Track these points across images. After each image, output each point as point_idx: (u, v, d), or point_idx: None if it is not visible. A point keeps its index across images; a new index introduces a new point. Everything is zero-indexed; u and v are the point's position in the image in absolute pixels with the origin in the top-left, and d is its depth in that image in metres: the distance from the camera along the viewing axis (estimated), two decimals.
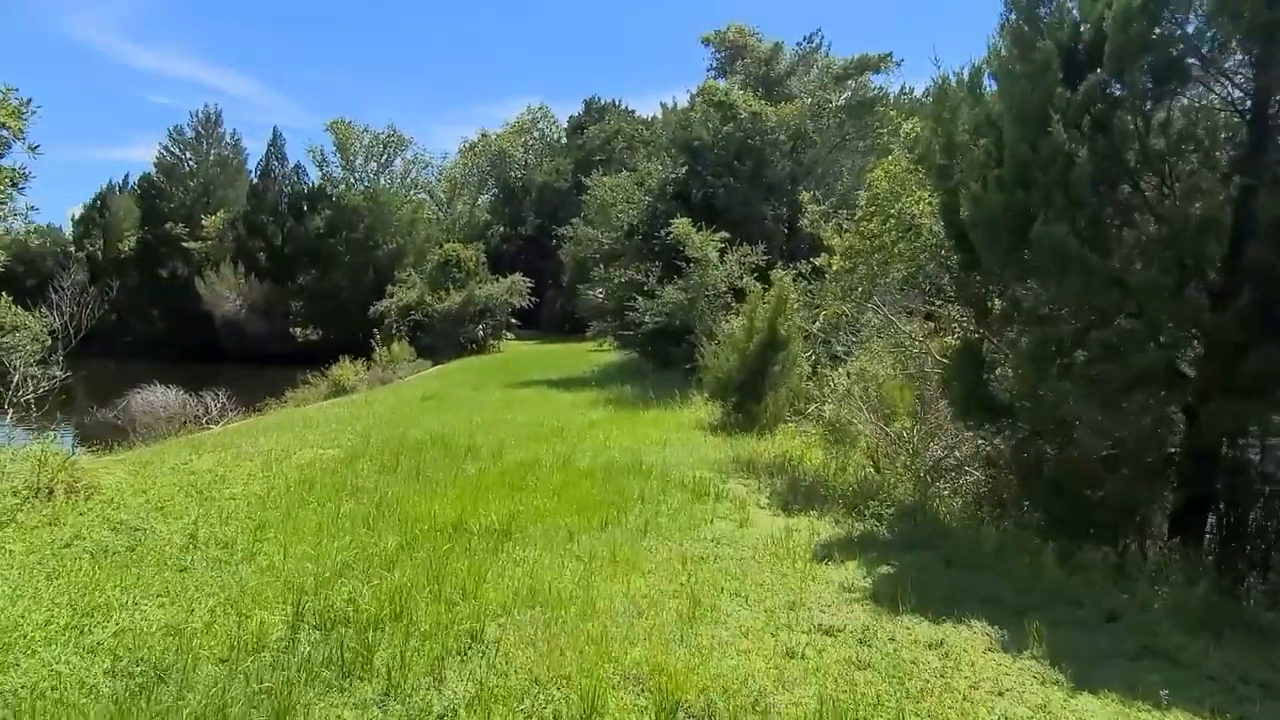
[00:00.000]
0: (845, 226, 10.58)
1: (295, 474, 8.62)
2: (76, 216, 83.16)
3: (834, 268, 9.30)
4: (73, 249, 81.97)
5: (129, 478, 8.61)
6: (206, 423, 19.99)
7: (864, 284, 9.26)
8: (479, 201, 64.23)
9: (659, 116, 53.68)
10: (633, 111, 64.17)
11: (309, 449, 10.25)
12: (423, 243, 47.61)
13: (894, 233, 9.15)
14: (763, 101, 18.25)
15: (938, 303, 9.52)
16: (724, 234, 15.94)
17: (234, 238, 48.42)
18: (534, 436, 11.12)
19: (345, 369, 21.51)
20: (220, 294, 45.72)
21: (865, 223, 9.03)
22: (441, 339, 35.87)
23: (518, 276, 37.84)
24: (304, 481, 8.12)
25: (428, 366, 30.23)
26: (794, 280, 13.48)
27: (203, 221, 49.75)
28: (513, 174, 61.96)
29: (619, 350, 24.20)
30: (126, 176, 65.27)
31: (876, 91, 20.69)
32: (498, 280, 37.97)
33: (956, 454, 9.66)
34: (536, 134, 65.92)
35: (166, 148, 53.45)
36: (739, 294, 16.38)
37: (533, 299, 38.27)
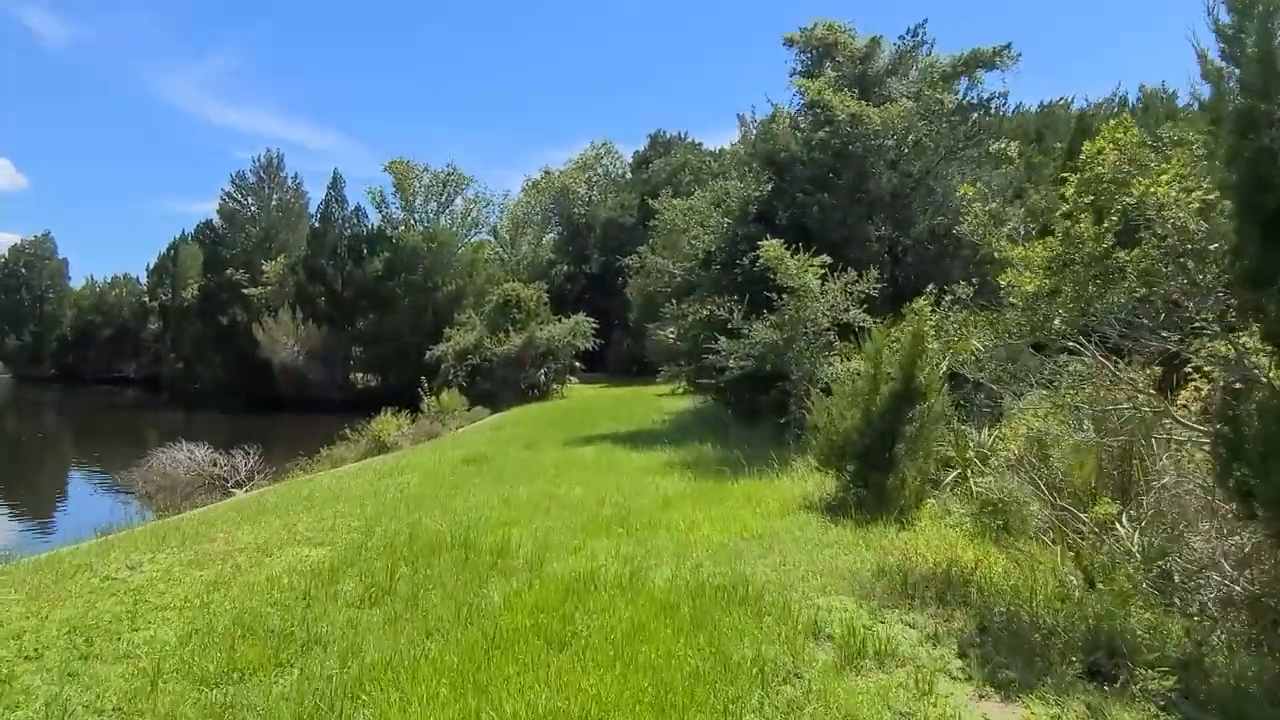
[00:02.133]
0: (1021, 234, 7.54)
1: (243, 601, 5.94)
2: (151, 266, 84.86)
3: (1026, 288, 6.30)
4: (146, 298, 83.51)
5: (25, 602, 6.09)
6: (232, 486, 17.76)
7: (1068, 310, 6.24)
8: (543, 241, 62.54)
9: (727, 148, 51.42)
10: (699, 144, 62.02)
11: (292, 546, 7.61)
12: (483, 284, 45.76)
13: (1110, 236, 6.12)
14: (863, 103, 15.36)
15: (1173, 336, 6.41)
16: (824, 258, 12.98)
17: (294, 283, 47.35)
18: (591, 525, 8.27)
19: (386, 423, 19.11)
20: (278, 340, 44.48)
21: (1072, 223, 6.06)
22: (501, 385, 33.54)
23: (582, 316, 35.40)
24: (244, 624, 5.41)
25: (485, 415, 27.79)
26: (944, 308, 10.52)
27: (263, 267, 48.89)
28: (576, 211, 60.03)
29: (691, 395, 21.29)
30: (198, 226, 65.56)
31: (991, 93, 17.65)
32: (560, 321, 35.60)
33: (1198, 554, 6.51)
34: (600, 170, 64.09)
35: (229, 194, 53.16)
36: (844, 331, 13.41)
37: (598, 340, 35.72)
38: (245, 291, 48.45)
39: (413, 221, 49.05)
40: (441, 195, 50.00)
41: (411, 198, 49.02)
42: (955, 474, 10.19)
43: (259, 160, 53.23)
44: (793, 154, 16.36)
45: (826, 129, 15.50)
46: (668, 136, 63.43)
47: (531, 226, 61.26)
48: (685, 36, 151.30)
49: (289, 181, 54.15)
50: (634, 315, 45.52)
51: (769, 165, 16.79)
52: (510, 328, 35.13)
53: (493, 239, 59.85)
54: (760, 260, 13.35)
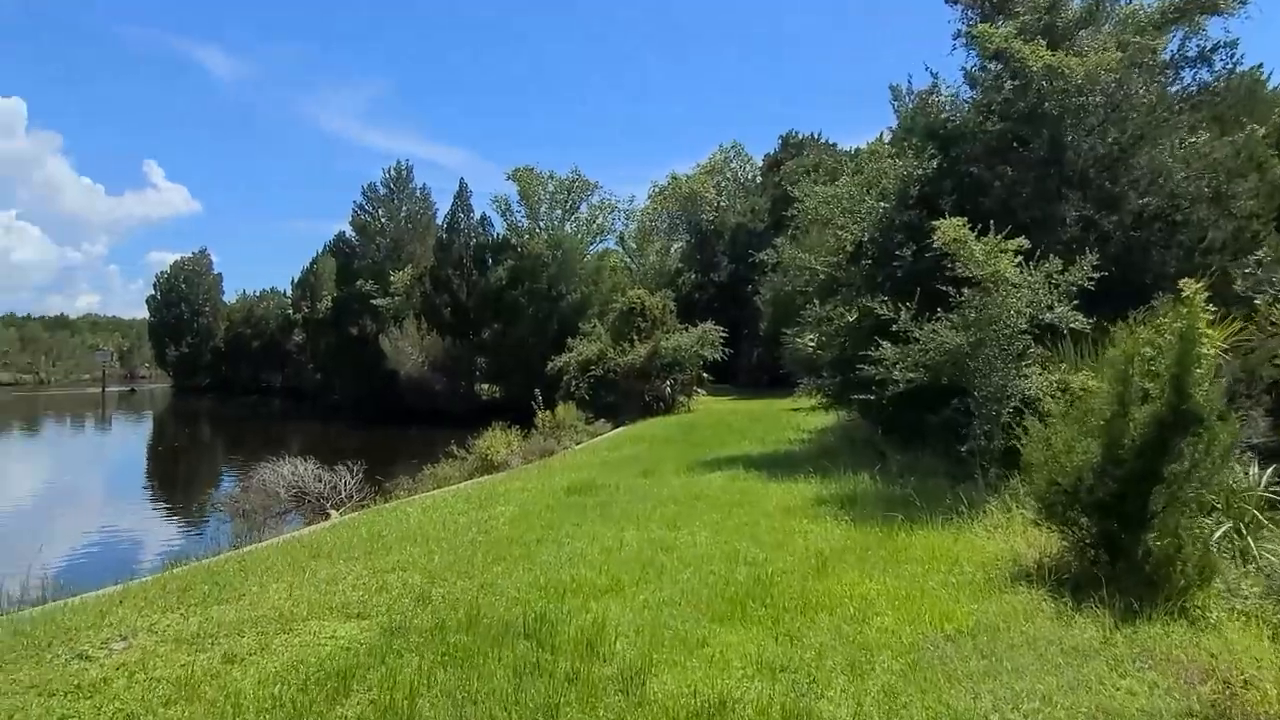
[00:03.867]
0: None
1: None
2: (295, 280, 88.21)
3: None
4: (291, 311, 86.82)
5: None
6: (331, 507, 16.36)
7: None
8: (671, 249, 60.63)
9: (864, 147, 48.01)
10: (833, 144, 58.62)
11: (321, 618, 5.61)
12: (608, 292, 44.09)
13: None
14: (1059, 53, 12.38)
15: None
16: (1020, 240, 10.13)
17: (420, 293, 47.11)
18: (720, 600, 5.91)
19: (494, 440, 17.33)
20: (403, 351, 44.19)
21: None
22: (624, 397, 31.56)
23: (710, 325, 33.02)
24: None
25: (606, 429, 25.86)
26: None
27: (391, 278, 48.97)
28: (704, 217, 57.72)
29: (831, 410, 18.54)
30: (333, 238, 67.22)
31: (1214, 41, 14.25)
32: (687, 330, 33.36)
33: None
34: (729, 174, 61.59)
35: (361, 206, 53.79)
36: (1046, 334, 10.53)
37: (726, 350, 33.23)
38: (374, 302, 48.67)
39: (537, 229, 48.03)
40: (566, 202, 48.80)
41: (536, 205, 48.02)
42: (1224, 529, 7.26)
43: (389, 172, 53.80)
44: (963, 124, 13.52)
45: (1011, 84, 12.60)
46: (800, 137, 60.28)
47: (658, 234, 59.41)
48: (816, 31, 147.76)
49: (417, 192, 54.42)
50: (765, 323, 42.89)
51: (931, 139, 14.01)
52: (635, 337, 33.18)
53: (619, 247, 58.42)
54: (932, 248, 10.66)
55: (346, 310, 51.02)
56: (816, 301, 15.68)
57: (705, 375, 33.64)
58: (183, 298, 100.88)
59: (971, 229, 10.69)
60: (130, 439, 48.05)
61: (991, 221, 10.66)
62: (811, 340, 18.16)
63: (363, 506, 14.61)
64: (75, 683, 4.65)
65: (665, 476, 12.53)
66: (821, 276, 15.84)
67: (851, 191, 15.11)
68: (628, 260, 58.49)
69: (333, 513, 15.29)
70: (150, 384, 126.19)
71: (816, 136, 60.06)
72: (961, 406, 10.60)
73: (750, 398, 37.19)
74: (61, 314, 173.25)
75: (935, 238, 10.44)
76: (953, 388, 10.65)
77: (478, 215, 50.16)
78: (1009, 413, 9.72)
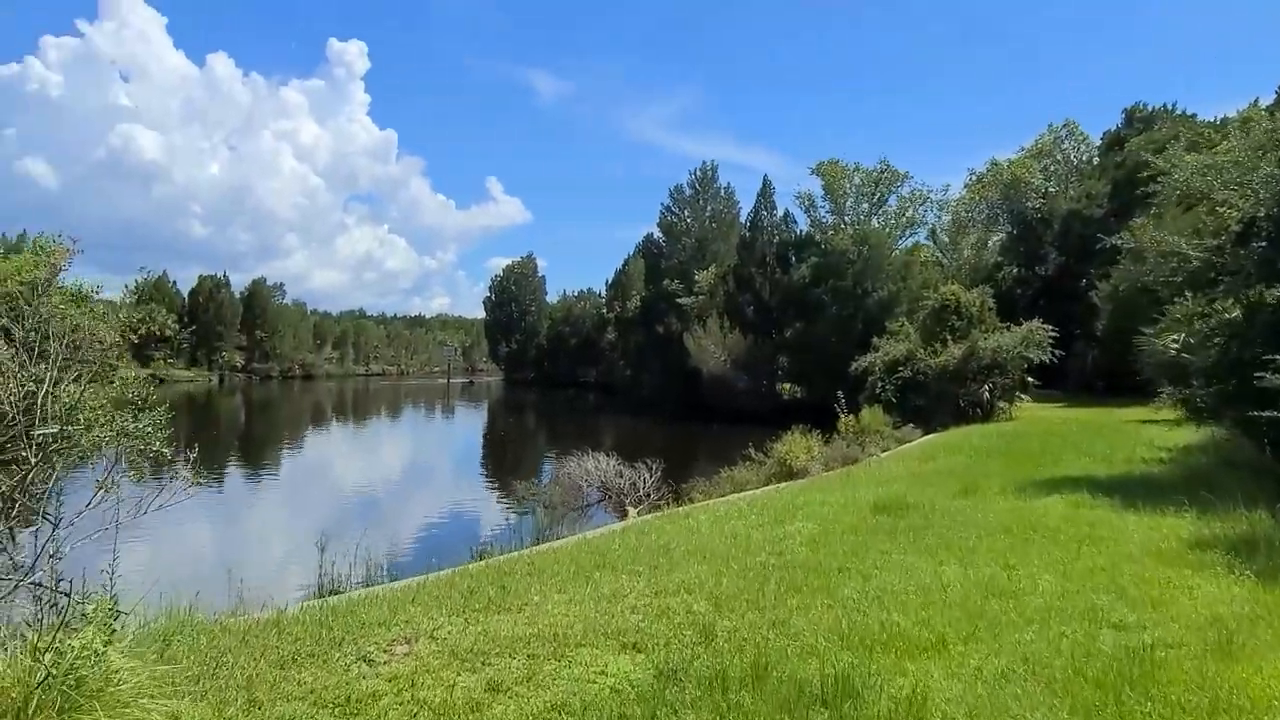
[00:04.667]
0: None
1: None
2: (609, 281, 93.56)
3: None
4: (604, 310, 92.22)
5: (195, 703, 4.36)
6: (630, 505, 16.46)
7: None
8: (989, 243, 55.85)
9: (1233, 115, 40.48)
10: (1192, 116, 50.45)
11: (593, 645, 5.10)
12: (918, 289, 41.42)
13: None
14: None
15: None
16: None
17: (723, 292, 47.42)
18: (1078, 680, 4.54)
19: (793, 444, 16.44)
20: (706, 349, 44.69)
21: None
22: (936, 401, 29.21)
23: (1036, 323, 29.53)
24: None
25: (916, 435, 23.97)
26: None
27: (695, 277, 49.80)
28: (1029, 205, 52.35)
29: (1199, 422, 15.36)
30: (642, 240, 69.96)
31: None
32: (1009, 329, 30.12)
33: None
34: (1060, 157, 55.41)
35: (668, 207, 55.38)
36: None
37: (1055, 352, 29.52)
38: (679, 301, 49.83)
39: (842, 225, 46.34)
40: (873, 195, 46.58)
41: (841, 200, 46.35)
42: None
43: (695, 174, 54.81)
44: None
45: None
46: (1148, 110, 52.61)
47: (975, 225, 54.94)
48: None
49: (722, 192, 54.89)
50: (1103, 321, 37.83)
51: None
52: (948, 337, 30.61)
53: (930, 242, 54.85)
54: None
55: (653, 309, 52.77)
56: (1187, 294, 12.99)
57: (1029, 379, 30.15)
58: (512, 298, 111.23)
59: None
60: (469, 426, 53.46)
61: None
62: (1175, 341, 15.24)
63: (658, 507, 14.45)
64: (347, 694, 4.48)
65: (989, 497, 10.88)
66: (1194, 264, 13.09)
67: (1239, 158, 12.28)
68: (939, 255, 54.76)
69: (631, 510, 15.31)
70: (486, 377, 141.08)
71: (1170, 108, 52.15)
72: None
73: (1083, 405, 32.90)
74: (420, 314, 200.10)
75: None
76: None
77: (781, 212, 49.54)
78: None
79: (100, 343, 5.37)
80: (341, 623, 5.73)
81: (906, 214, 47.47)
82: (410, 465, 32.50)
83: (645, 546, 8.21)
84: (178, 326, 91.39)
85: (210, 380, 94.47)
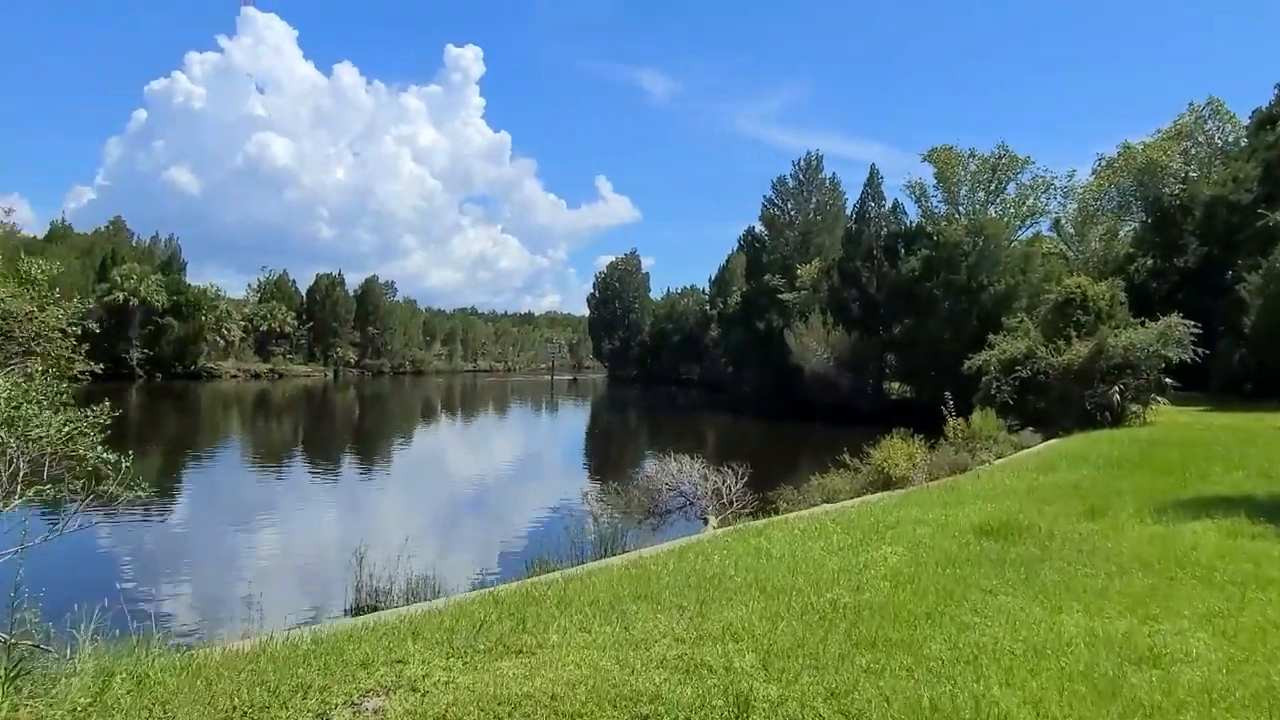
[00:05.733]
0: None
1: None
2: (712, 277, 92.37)
3: None
4: (707, 306, 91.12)
5: None
6: (712, 513, 15.31)
7: None
8: (1120, 233, 51.77)
9: None
10: None
11: (597, 707, 4.06)
12: (1039, 282, 38.60)
13: None
14: None
15: None
16: None
17: (826, 286, 45.48)
18: None
19: (893, 450, 14.88)
20: (808, 346, 42.91)
21: None
22: (1058, 403, 26.82)
23: (1175, 319, 26.71)
24: None
25: (1034, 441, 21.90)
26: None
27: (798, 271, 47.95)
28: (1166, 191, 48.15)
29: None
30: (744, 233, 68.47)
31: None
32: (1142, 325, 27.36)
33: None
34: (1201, 138, 50.81)
35: (770, 200, 53.59)
36: None
37: (1198, 350, 26.59)
38: (780, 296, 48.08)
39: (955, 215, 43.63)
40: (990, 183, 43.65)
41: (955, 188, 43.63)
42: None
43: (799, 165, 52.71)
44: None
45: None
46: None
47: (1103, 214, 50.92)
48: None
49: (827, 183, 52.66)
50: (1252, 316, 34.15)
51: None
52: (1072, 333, 28.10)
53: (1053, 232, 51.16)
54: None
55: (754, 305, 51.20)
56: None
57: (1167, 381, 27.30)
58: (615, 295, 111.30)
59: None
60: (571, 423, 53.29)
61: None
62: None
63: (737, 518, 13.28)
64: None
65: (1122, 521, 9.21)
66: None
67: None
68: (1064, 246, 51.03)
69: (711, 520, 14.17)
70: (591, 374, 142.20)
71: None
72: None
73: (1231, 410, 29.67)
74: (529, 312, 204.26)
75: None
76: None
77: (889, 203, 47.13)
78: None
79: (47, 331, 4.60)
80: (321, 662, 4.87)
81: (1027, 202, 44.31)
82: (507, 463, 32.23)
83: (699, 572, 7.06)
84: (295, 323, 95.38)
85: (325, 375, 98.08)
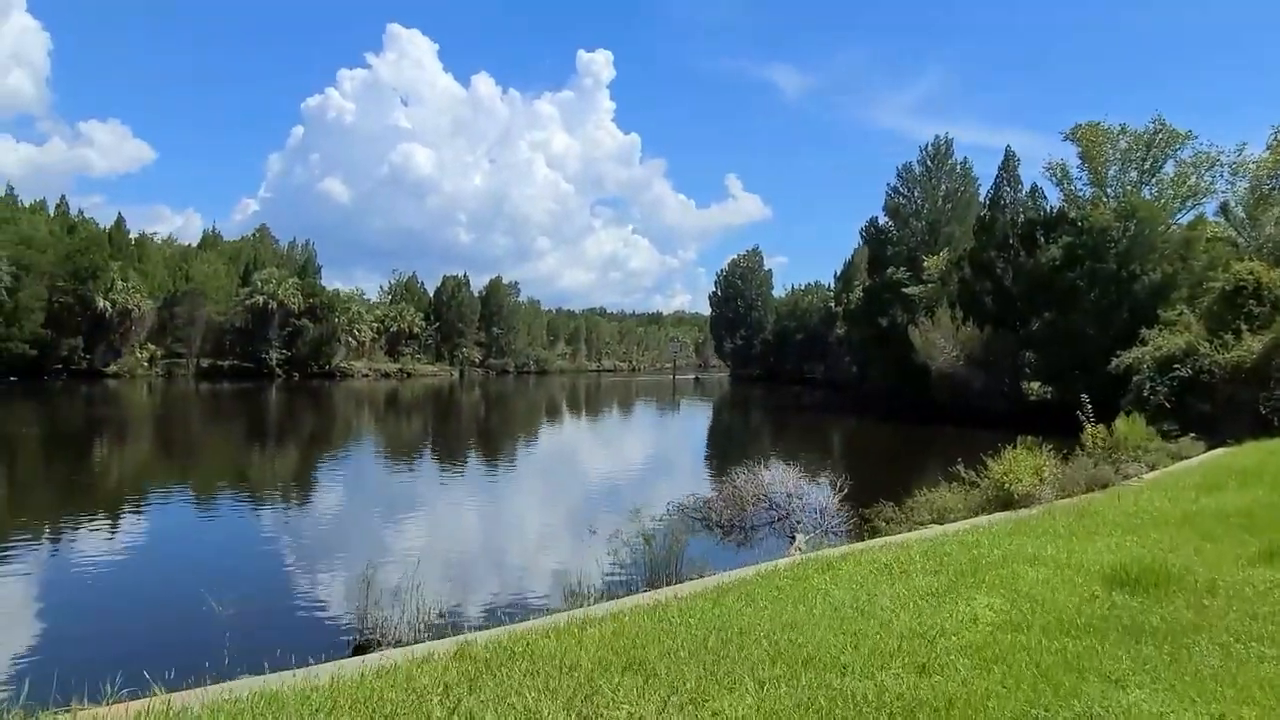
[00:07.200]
0: None
1: None
2: (838, 273, 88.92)
3: None
4: (832, 303, 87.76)
5: None
6: (798, 532, 13.54)
7: None
8: None
9: None
10: None
11: None
12: (1202, 270, 34.37)
13: None
14: None
15: None
16: None
17: (956, 279, 42.13)
18: None
19: (1016, 464, 12.58)
20: (934, 343, 39.83)
21: None
22: (1226, 407, 23.63)
23: None
24: None
25: (1197, 451, 18.91)
26: None
27: (925, 263, 44.69)
28: None
29: None
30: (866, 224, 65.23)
31: None
32: None
33: None
34: None
35: (895, 188, 50.30)
36: None
37: None
38: (905, 290, 44.95)
39: (1103, 198, 39.49)
40: (1144, 161, 39.26)
41: (1102, 169, 39.46)
42: None
43: (926, 149, 49.11)
44: None
45: None
46: None
47: None
48: None
49: (957, 169, 48.90)
50: None
51: None
52: (1243, 327, 24.63)
53: (1219, 217, 45.76)
54: None
55: (876, 300, 48.19)
56: None
57: None
58: (738, 293, 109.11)
59: None
60: (692, 423, 51.83)
61: None
62: None
63: (828, 536, 11.51)
64: None
65: None
66: None
67: None
68: (1233, 230, 45.54)
69: (799, 539, 12.40)
70: (716, 372, 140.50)
71: None
72: None
73: None
74: (657, 311, 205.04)
75: None
76: None
77: (1027, 188, 43.21)
78: None
79: None
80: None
81: (1188, 182, 39.57)
82: (623, 464, 30.93)
83: (725, 627, 5.47)
84: (424, 324, 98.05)
85: (451, 374, 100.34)
